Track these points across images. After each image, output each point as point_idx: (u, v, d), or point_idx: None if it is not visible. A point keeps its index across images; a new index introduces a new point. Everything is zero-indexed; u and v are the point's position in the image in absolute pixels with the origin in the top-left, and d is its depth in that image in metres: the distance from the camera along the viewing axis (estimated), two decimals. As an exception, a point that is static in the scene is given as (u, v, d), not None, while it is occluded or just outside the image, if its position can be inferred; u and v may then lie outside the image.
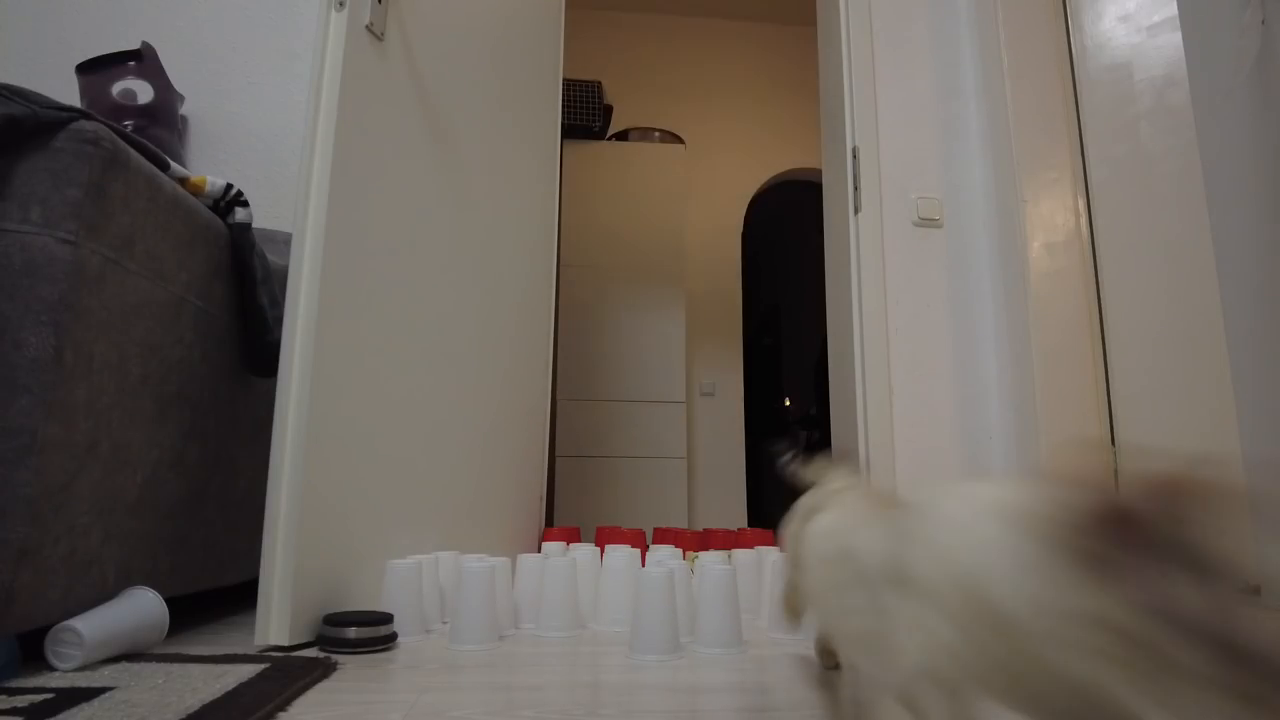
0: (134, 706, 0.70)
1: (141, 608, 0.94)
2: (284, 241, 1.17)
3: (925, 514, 0.46)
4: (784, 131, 4.24)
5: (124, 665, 0.86)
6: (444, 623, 1.17)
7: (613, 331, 3.46)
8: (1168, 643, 0.31)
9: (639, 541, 1.70)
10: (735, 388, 4.03)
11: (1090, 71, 2.20)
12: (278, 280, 1.24)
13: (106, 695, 0.73)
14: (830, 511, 0.70)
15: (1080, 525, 0.35)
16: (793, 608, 0.89)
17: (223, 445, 1.23)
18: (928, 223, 2.19)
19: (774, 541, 1.72)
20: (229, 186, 1.20)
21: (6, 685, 0.77)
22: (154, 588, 0.97)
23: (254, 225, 1.26)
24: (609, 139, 3.80)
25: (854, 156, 2.18)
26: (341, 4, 1.14)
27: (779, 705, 0.82)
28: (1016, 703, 0.39)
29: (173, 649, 0.96)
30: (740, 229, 4.16)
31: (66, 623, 0.85)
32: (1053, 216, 2.13)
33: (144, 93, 1.64)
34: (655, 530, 1.95)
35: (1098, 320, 2.12)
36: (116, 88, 1.62)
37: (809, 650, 1.05)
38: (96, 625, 0.87)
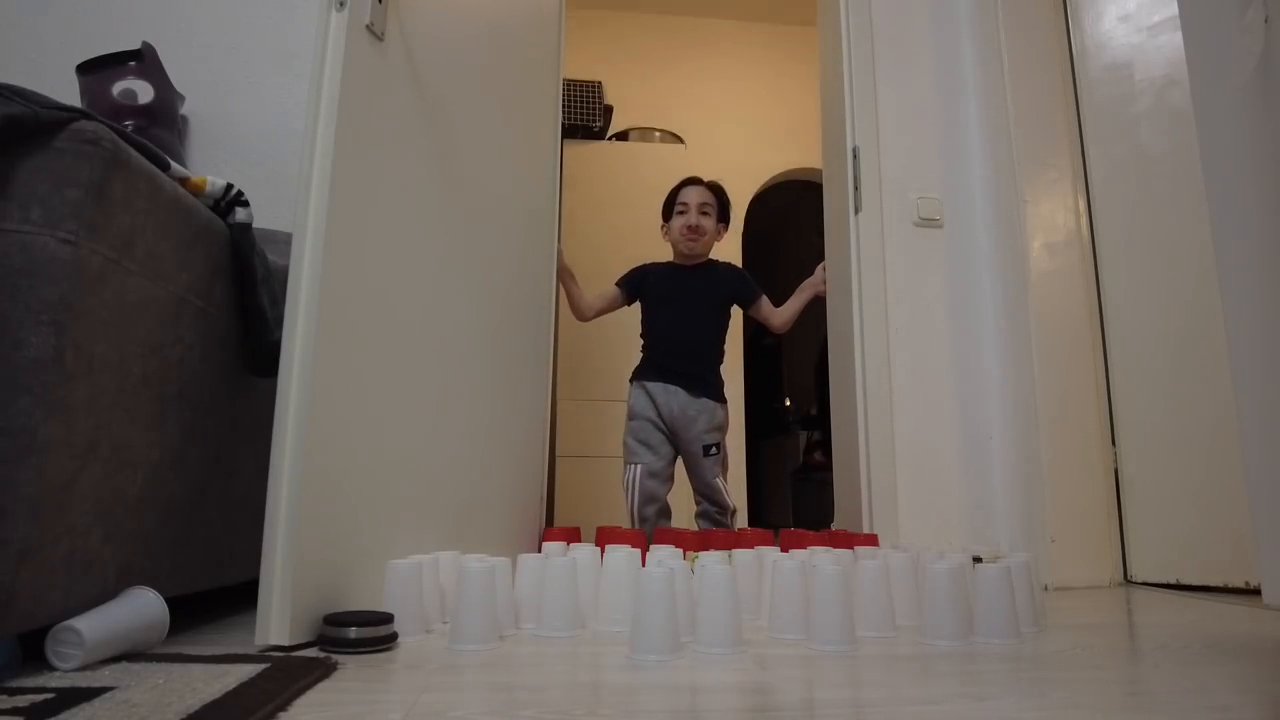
0: (134, 706, 0.70)
1: (141, 608, 0.94)
2: (284, 241, 1.17)
3: None
4: (784, 131, 4.23)
5: (124, 665, 0.86)
6: (444, 623, 1.17)
7: (613, 332, 3.46)
8: None
9: (639, 542, 1.69)
10: (735, 388, 4.02)
11: (1090, 71, 2.20)
12: (278, 280, 1.24)
13: (106, 695, 0.73)
14: None
15: None
16: None
17: (223, 445, 1.23)
18: (928, 223, 2.19)
19: (774, 541, 1.71)
20: (229, 186, 1.20)
21: (6, 685, 0.77)
22: (154, 588, 0.97)
23: (254, 225, 1.26)
24: (609, 139, 3.80)
25: (854, 156, 2.18)
26: (341, 4, 1.14)
27: (779, 705, 0.82)
28: None
29: (173, 649, 0.96)
30: (740, 229, 4.16)
31: (66, 623, 0.85)
32: (1053, 216, 2.13)
33: (144, 93, 1.64)
34: (655, 530, 1.95)
35: (1098, 320, 2.12)
36: (117, 88, 1.62)
37: (810, 650, 1.05)
38: (96, 625, 0.86)
